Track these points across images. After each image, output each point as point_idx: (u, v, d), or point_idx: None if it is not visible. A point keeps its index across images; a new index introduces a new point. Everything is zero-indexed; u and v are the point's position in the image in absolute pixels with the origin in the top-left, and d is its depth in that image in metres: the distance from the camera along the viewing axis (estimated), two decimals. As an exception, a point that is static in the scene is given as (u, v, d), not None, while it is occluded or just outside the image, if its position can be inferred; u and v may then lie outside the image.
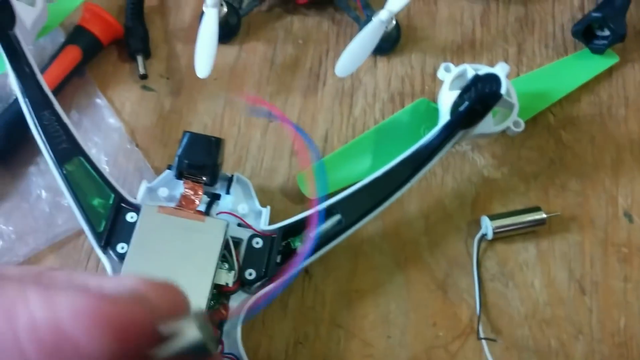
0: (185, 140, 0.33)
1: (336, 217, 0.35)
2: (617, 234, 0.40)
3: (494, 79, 0.35)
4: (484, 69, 0.37)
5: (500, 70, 0.37)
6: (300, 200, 0.40)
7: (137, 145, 0.41)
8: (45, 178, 0.40)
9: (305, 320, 0.37)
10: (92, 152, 0.37)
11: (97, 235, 0.33)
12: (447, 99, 0.37)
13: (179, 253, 0.32)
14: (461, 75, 0.38)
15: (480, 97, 0.34)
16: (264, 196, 0.40)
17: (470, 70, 0.38)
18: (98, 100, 0.43)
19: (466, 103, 0.34)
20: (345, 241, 0.39)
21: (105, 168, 0.39)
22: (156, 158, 0.41)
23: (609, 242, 0.39)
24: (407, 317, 0.37)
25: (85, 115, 0.43)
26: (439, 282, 0.38)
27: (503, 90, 0.35)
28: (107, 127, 0.42)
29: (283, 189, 0.41)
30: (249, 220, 0.36)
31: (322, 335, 0.37)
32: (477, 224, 0.39)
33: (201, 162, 0.33)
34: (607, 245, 0.39)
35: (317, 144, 0.42)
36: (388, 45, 0.44)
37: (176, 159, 0.33)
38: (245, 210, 0.36)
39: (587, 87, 0.44)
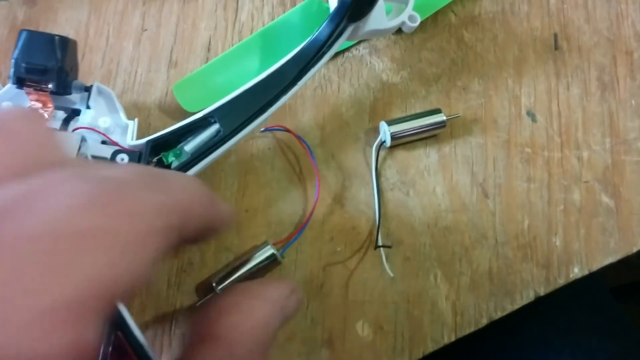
0: (21, 40, 0.28)
1: (214, 127, 0.31)
2: (520, 134, 0.38)
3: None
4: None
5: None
6: (180, 114, 0.36)
7: (-15, 62, 0.36)
8: None
9: (189, 247, 0.34)
10: None
11: None
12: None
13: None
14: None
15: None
16: (140, 113, 0.36)
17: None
18: None
19: (351, -9, 0.31)
20: (233, 157, 0.35)
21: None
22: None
23: (512, 142, 0.37)
24: (302, 234, 0.34)
25: None
26: (336, 195, 0.35)
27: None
28: (-52, 43, 0.36)
29: (160, 104, 0.36)
30: (114, 136, 0.31)
31: (208, 261, 0.34)
32: (376, 132, 0.37)
33: (42, 64, 0.28)
34: (510, 146, 0.37)
35: (200, 53, 0.38)
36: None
37: (12, 62, 0.28)
38: (107, 124, 0.31)
39: (489, -17, 0.41)
